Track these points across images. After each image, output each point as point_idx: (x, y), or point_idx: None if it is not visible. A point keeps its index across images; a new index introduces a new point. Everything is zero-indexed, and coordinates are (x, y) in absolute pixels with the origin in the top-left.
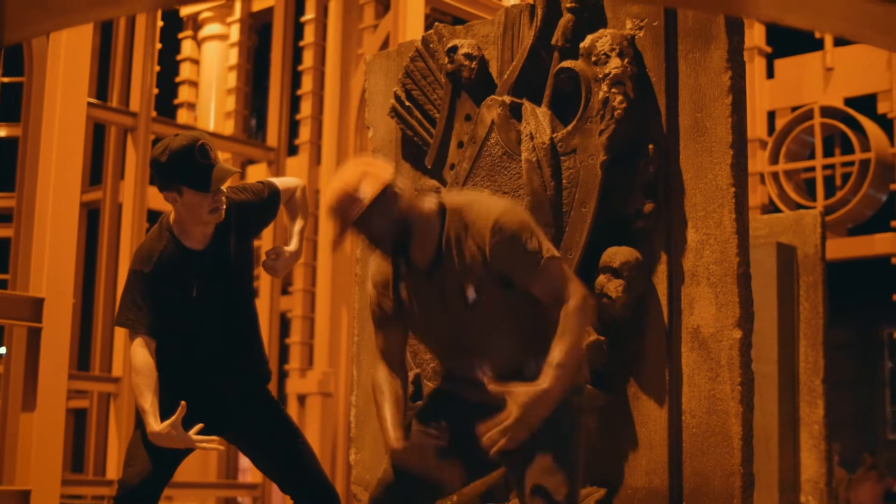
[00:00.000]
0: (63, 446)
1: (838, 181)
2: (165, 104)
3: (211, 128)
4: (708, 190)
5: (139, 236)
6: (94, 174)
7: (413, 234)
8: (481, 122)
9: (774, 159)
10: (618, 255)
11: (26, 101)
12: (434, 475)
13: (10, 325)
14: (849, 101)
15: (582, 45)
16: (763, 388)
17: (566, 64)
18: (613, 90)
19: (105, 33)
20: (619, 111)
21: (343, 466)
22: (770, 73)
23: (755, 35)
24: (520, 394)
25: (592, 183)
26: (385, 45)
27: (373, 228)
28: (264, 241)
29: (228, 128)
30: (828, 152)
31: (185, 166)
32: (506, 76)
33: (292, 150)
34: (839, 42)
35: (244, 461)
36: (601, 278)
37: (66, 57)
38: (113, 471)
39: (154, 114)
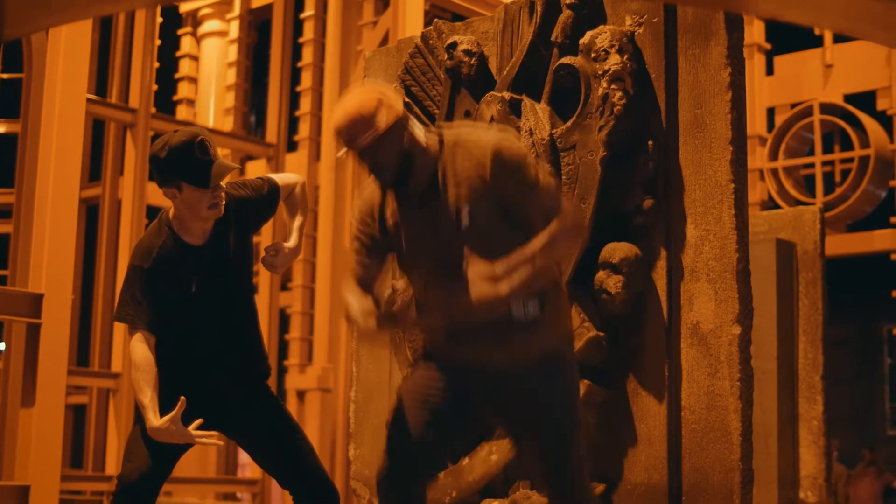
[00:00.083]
0: (62, 442)
1: (838, 178)
2: (165, 100)
3: (210, 124)
4: (707, 186)
5: (138, 232)
6: (93, 170)
7: (413, 165)
8: (481, 118)
9: (774, 156)
10: (617, 251)
11: (25, 98)
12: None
13: (9, 320)
14: (848, 98)
15: (581, 41)
16: (762, 385)
17: (566, 60)
18: (613, 86)
19: (104, 29)
20: (618, 107)
21: (342, 462)
22: (770, 70)
23: (755, 32)
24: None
25: (592, 179)
26: (384, 41)
27: (378, 157)
28: (263, 238)
29: (228, 124)
30: (827, 149)
31: (184, 162)
32: (505, 72)
33: (291, 147)
34: (839, 39)
35: (243, 457)
36: (600, 274)
37: (66, 53)
38: (112, 466)
39: (153, 110)
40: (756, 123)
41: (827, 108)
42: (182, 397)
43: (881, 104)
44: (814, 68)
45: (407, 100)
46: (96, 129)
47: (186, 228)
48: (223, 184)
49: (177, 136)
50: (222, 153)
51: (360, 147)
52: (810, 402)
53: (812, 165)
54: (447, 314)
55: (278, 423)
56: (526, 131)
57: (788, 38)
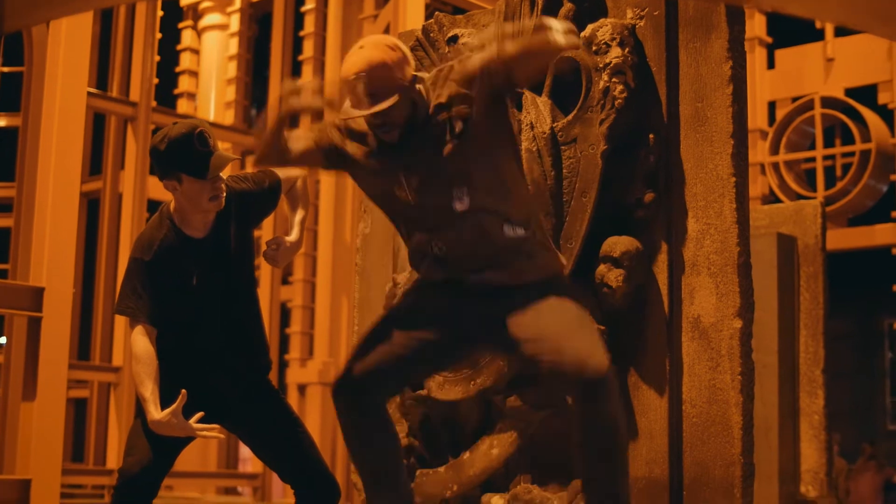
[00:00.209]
0: (63, 436)
1: (839, 172)
2: (165, 94)
3: (211, 117)
4: (708, 180)
5: (139, 226)
6: (94, 164)
7: (416, 124)
8: None
9: (775, 150)
10: (618, 244)
11: (26, 91)
12: None
13: (10, 314)
14: (849, 92)
15: (583, 34)
16: (763, 379)
17: (567, 53)
18: (614, 80)
19: (105, 22)
20: (619, 101)
21: (343, 456)
22: (771, 64)
23: (756, 25)
24: None
25: (593, 172)
26: (385, 34)
27: (392, 114)
28: (264, 231)
29: (228, 117)
30: (828, 143)
31: (183, 154)
32: None
33: None
34: (840, 32)
35: (244, 451)
36: (602, 268)
37: (67, 46)
38: (113, 460)
39: (154, 103)
40: (757, 117)
41: (828, 102)
42: (183, 390)
43: (882, 98)
44: (815, 62)
45: None
46: (97, 123)
47: (187, 221)
48: (224, 176)
49: (176, 128)
50: (223, 147)
51: (379, 98)
52: (811, 396)
53: (813, 159)
54: (443, 249)
55: (279, 417)
56: (527, 125)
57: (789, 31)
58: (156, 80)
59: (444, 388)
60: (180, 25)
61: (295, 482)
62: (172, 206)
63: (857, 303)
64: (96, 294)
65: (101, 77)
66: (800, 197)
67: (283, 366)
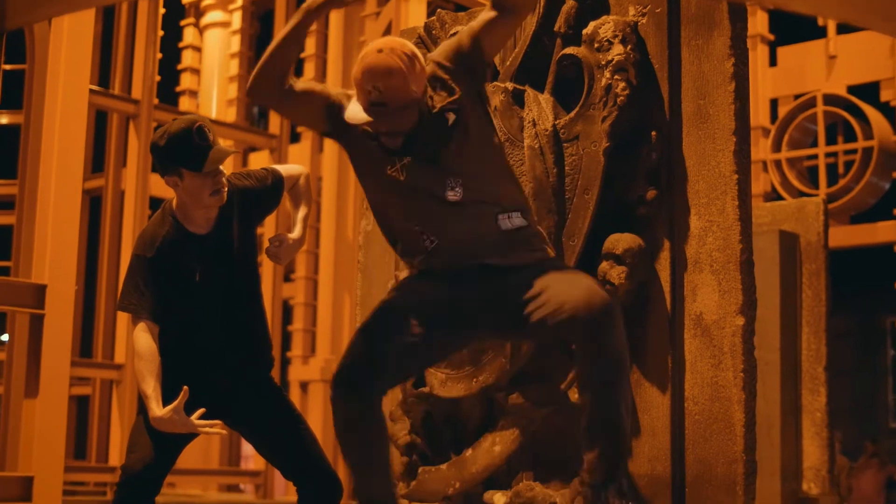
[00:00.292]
0: (66, 433)
1: (841, 169)
2: (167, 91)
3: (213, 115)
4: (711, 177)
5: (141, 223)
6: (96, 161)
7: (422, 131)
8: None
9: (777, 147)
10: (620, 241)
11: (28, 88)
12: None
13: (12, 311)
14: (852, 89)
15: (585, 31)
16: (765, 376)
17: (569, 50)
18: (616, 77)
19: (107, 20)
20: (621, 98)
21: None
22: (773, 61)
23: (758, 23)
24: None
25: (595, 170)
26: (387, 32)
27: (400, 121)
28: (267, 229)
29: (231, 115)
30: (830, 140)
31: (183, 148)
32: (508, 63)
33: (294, 138)
34: (842, 30)
35: (246, 448)
36: (604, 265)
37: (68, 43)
38: (116, 457)
39: (156, 101)
40: (759, 114)
41: (830, 100)
42: (185, 387)
43: (885, 95)
44: (817, 59)
45: None
46: (99, 120)
47: (190, 217)
48: (228, 173)
49: (176, 123)
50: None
51: (392, 106)
52: (813, 393)
53: (815, 157)
54: (434, 242)
55: (282, 414)
56: (529, 122)
57: (792, 29)
58: (158, 78)
59: (446, 385)
60: (182, 23)
61: (297, 479)
62: (175, 202)
63: (860, 300)
64: (98, 291)
65: (103, 74)
66: (802, 194)
67: (286, 363)
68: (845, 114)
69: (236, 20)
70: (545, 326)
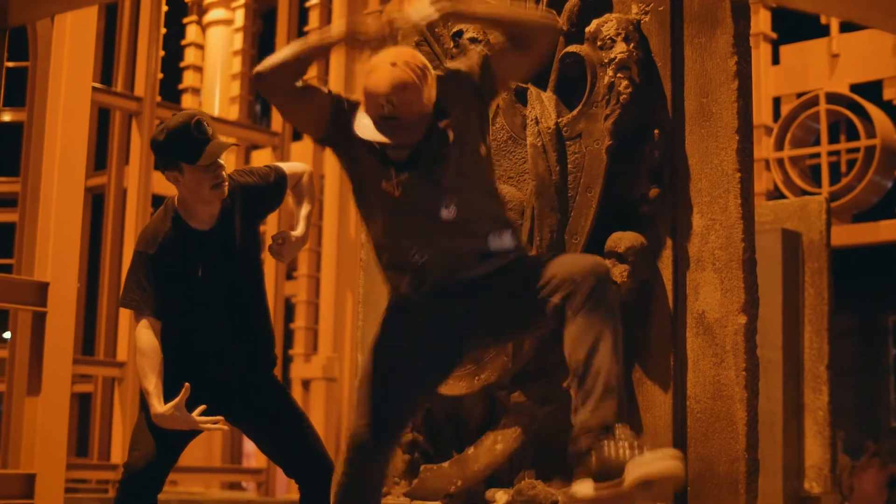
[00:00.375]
0: (68, 431)
1: (843, 168)
2: (170, 89)
3: (216, 113)
4: (713, 175)
5: (144, 221)
6: (98, 159)
7: (428, 146)
8: None
9: (780, 146)
10: (623, 240)
11: (31, 86)
12: None
13: (15, 309)
14: (854, 88)
15: (587, 29)
16: (768, 374)
17: (571, 48)
18: (619, 75)
19: (110, 17)
20: (624, 96)
21: None
22: (775, 60)
23: (761, 21)
24: None
25: (598, 168)
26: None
27: (409, 136)
28: (269, 227)
29: (233, 113)
30: (833, 139)
31: (181, 142)
32: None
33: (297, 136)
34: (845, 28)
35: (248, 446)
36: (606, 263)
37: (71, 41)
38: (118, 455)
39: (159, 98)
40: (762, 113)
41: (833, 98)
42: (186, 384)
43: (887, 94)
44: (820, 58)
45: None
46: (101, 118)
47: (192, 213)
48: (231, 169)
49: (174, 118)
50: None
51: (406, 122)
52: (815, 392)
53: (818, 155)
54: (424, 256)
55: (284, 412)
56: (532, 120)
57: (794, 27)
58: (160, 76)
59: (448, 383)
60: (185, 20)
61: (299, 477)
62: (177, 199)
63: (862, 299)
64: (101, 289)
65: (105, 72)
66: (804, 193)
67: (288, 361)
68: (848, 112)
69: (239, 18)
70: (553, 305)
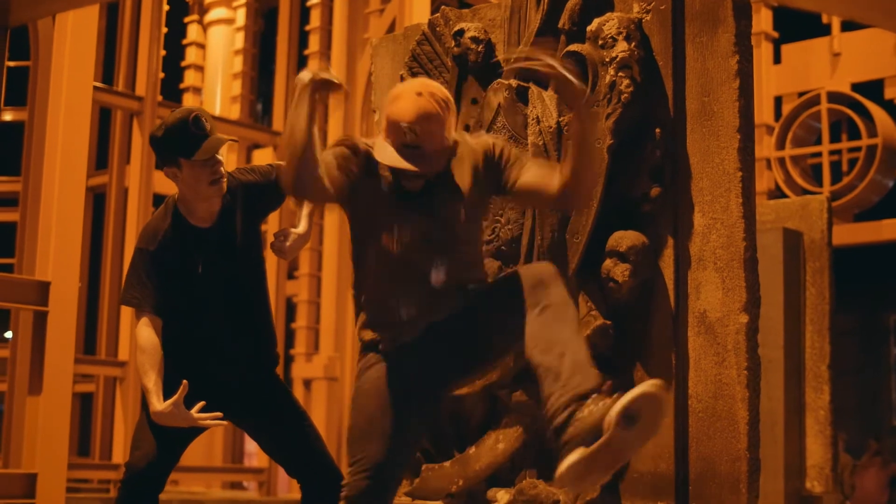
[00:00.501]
0: (69, 430)
1: (845, 167)
2: (171, 88)
3: (217, 112)
4: (715, 174)
5: (145, 220)
6: (99, 158)
7: (445, 180)
8: (488, 105)
9: (781, 145)
10: (624, 239)
11: (32, 85)
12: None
13: (16, 308)
14: (856, 87)
15: (589, 28)
16: (769, 374)
17: (573, 47)
18: (620, 74)
19: (111, 16)
20: (625, 95)
21: None
22: (777, 59)
23: (762, 20)
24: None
25: (599, 167)
26: (391, 28)
27: (428, 165)
28: (270, 226)
29: (234, 112)
30: (834, 138)
31: (180, 138)
32: (512, 60)
33: None
34: (846, 27)
35: (250, 445)
36: (608, 262)
37: (72, 40)
38: (119, 454)
39: (160, 98)
40: (763, 112)
41: (834, 97)
42: (184, 381)
43: (889, 93)
44: (821, 57)
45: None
46: (103, 117)
47: (192, 211)
48: (232, 169)
49: (174, 114)
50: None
51: (425, 152)
52: (817, 391)
53: (819, 154)
54: (411, 313)
55: (286, 411)
56: (533, 119)
57: (795, 26)
58: (161, 75)
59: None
60: (186, 20)
61: (301, 476)
62: (178, 196)
63: (863, 298)
64: (102, 288)
65: (106, 71)
66: (806, 192)
67: (289, 360)
68: (849, 111)
69: (240, 17)
70: (522, 319)
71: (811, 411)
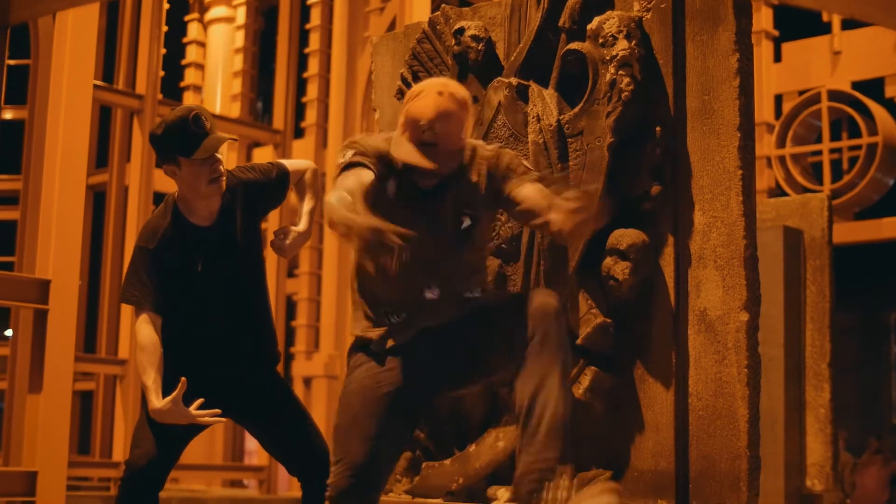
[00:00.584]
0: (69, 428)
1: (845, 165)
2: (172, 87)
3: (217, 110)
4: (715, 172)
5: (145, 219)
6: (100, 157)
7: (458, 179)
8: (488, 104)
9: (781, 143)
10: (625, 237)
11: (32, 84)
12: None
13: (16, 307)
14: (856, 85)
15: (589, 26)
16: (769, 372)
17: (573, 46)
18: (621, 72)
19: (111, 15)
20: (626, 93)
21: None
22: (777, 57)
23: (762, 18)
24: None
25: (599, 165)
26: (391, 27)
27: (445, 163)
28: (271, 224)
29: (235, 110)
30: (835, 136)
31: (180, 136)
32: (513, 58)
33: (298, 133)
34: (847, 25)
35: (250, 443)
36: (608, 261)
37: (73, 39)
38: (119, 452)
39: (160, 96)
40: (764, 110)
41: (835, 96)
42: (183, 378)
43: (889, 91)
44: (821, 55)
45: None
46: (103, 116)
47: (192, 209)
48: (232, 167)
49: (173, 112)
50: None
51: (441, 151)
52: (817, 389)
53: (820, 153)
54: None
55: (287, 409)
56: (533, 117)
57: (796, 24)
58: (162, 73)
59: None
60: (186, 18)
61: (301, 474)
62: (177, 195)
63: (864, 296)
64: (102, 287)
65: (107, 70)
66: (806, 190)
67: (289, 359)
68: (850, 110)
69: (240, 16)
70: (523, 334)
71: (811, 409)
